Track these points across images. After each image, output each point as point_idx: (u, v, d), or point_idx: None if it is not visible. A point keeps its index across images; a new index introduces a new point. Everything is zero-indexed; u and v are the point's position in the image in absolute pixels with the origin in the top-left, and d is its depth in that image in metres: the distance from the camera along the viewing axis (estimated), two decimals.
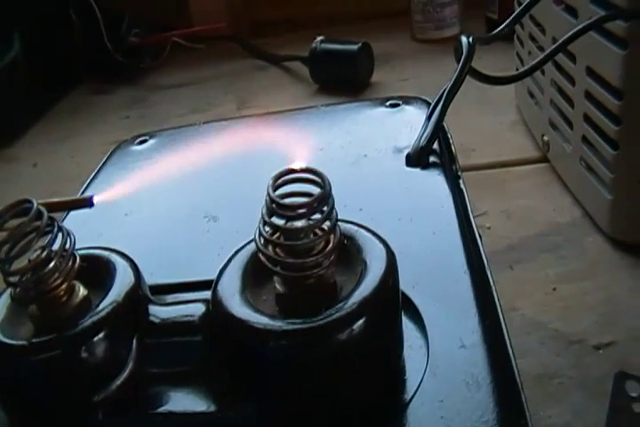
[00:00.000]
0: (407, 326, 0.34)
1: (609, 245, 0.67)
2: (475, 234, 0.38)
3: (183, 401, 0.31)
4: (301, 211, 0.29)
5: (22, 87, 1.00)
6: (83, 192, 0.51)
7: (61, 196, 0.51)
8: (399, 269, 0.32)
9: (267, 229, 0.30)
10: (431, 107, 0.47)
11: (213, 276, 0.32)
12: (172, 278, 0.38)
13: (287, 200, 0.29)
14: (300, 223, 0.29)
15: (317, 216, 0.29)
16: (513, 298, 0.62)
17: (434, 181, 0.43)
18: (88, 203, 0.46)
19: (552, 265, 0.65)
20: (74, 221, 0.46)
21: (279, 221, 0.29)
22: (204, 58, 1.17)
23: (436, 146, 0.47)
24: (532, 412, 0.53)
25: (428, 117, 0.47)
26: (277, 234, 0.30)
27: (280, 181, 0.30)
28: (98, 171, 0.53)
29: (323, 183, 0.29)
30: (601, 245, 0.67)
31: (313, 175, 0.29)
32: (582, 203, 0.71)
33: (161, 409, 0.31)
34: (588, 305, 0.61)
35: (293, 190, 0.30)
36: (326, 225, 0.29)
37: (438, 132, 0.46)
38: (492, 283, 0.35)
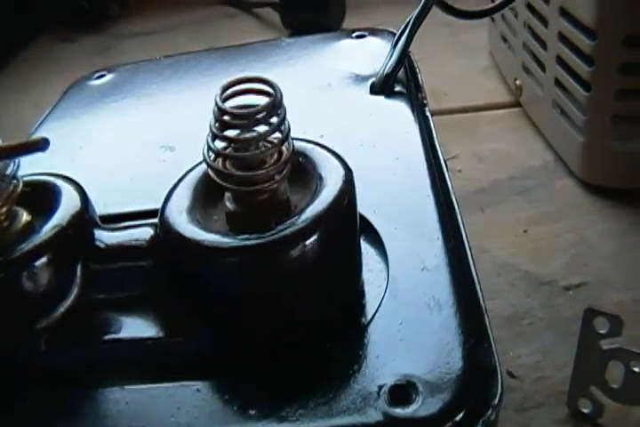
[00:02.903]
0: (367, 250, 0.32)
1: (581, 188, 0.66)
2: (440, 159, 0.37)
3: (131, 328, 0.29)
4: (251, 119, 0.27)
5: None
6: (38, 127, 0.49)
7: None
8: (360, 194, 0.30)
9: (215, 142, 0.28)
10: (397, 35, 0.46)
11: None
12: (127, 208, 0.36)
13: (236, 109, 0.27)
14: (249, 133, 0.27)
15: (269, 127, 0.27)
16: (483, 240, 0.61)
17: (398, 109, 0.42)
18: (41, 145, 0.43)
19: (523, 208, 0.64)
20: None
21: (228, 133, 0.28)
22: (172, 5, 1.14)
23: (402, 75, 0.45)
24: (502, 351, 0.52)
25: (394, 45, 0.45)
26: (227, 147, 0.28)
27: (229, 91, 0.28)
28: (54, 106, 0.51)
29: (274, 92, 0.27)
30: (572, 189, 0.66)
31: (264, 85, 0.28)
32: (554, 146, 0.70)
33: (107, 337, 0.29)
34: (559, 247, 0.60)
35: (244, 103, 0.28)
36: (278, 136, 0.28)
37: (404, 60, 0.44)
38: (456, 207, 0.34)
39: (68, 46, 1.07)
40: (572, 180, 0.67)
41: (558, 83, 0.66)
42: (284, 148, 0.28)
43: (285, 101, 0.29)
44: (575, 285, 0.57)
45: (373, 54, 0.48)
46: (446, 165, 0.37)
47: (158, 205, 0.31)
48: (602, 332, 0.44)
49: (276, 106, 0.27)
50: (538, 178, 0.68)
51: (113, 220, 0.34)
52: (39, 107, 0.90)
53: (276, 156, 0.28)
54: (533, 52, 0.71)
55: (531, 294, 0.57)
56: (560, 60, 0.65)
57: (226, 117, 0.27)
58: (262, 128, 0.27)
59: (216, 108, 0.27)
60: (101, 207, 0.34)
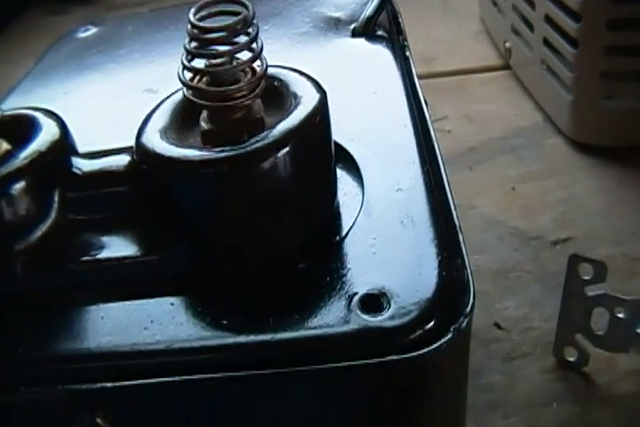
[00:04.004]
0: (343, 177, 0.33)
1: (569, 146, 0.66)
2: (419, 95, 0.37)
3: (109, 248, 0.30)
4: (223, 33, 0.27)
5: None
6: (24, 78, 0.49)
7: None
8: (338, 125, 0.31)
9: (190, 60, 0.28)
10: None
11: None
12: (108, 146, 0.36)
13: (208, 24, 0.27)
14: (222, 49, 0.27)
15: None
16: (472, 197, 0.61)
17: (379, 50, 0.42)
18: None
19: (512, 166, 0.65)
20: (10, 102, 0.45)
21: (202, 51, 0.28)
22: None
23: (384, 20, 0.45)
24: (490, 304, 0.53)
25: None
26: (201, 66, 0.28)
27: (203, 12, 0.28)
28: (41, 58, 0.51)
29: (247, 8, 0.27)
30: (561, 147, 0.67)
31: (237, 5, 0.28)
32: (543, 106, 0.71)
33: (85, 258, 0.29)
34: (548, 204, 0.61)
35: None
36: (250, 55, 0.28)
37: (385, 3, 0.44)
38: (433, 136, 0.34)
39: (60, 18, 1.07)
40: (561, 138, 0.67)
41: (547, 42, 0.66)
42: (256, 66, 0.28)
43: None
44: (563, 239, 0.57)
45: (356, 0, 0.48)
46: (426, 103, 0.37)
47: None
48: (586, 278, 0.44)
49: (247, 21, 0.27)
50: (527, 137, 0.68)
51: (93, 157, 0.34)
52: None
53: (250, 74, 0.28)
54: (522, 14, 0.71)
55: (519, 249, 0.57)
56: (548, 19, 0.65)
57: (198, 32, 0.27)
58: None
59: (189, 26, 0.27)
60: (83, 146, 0.34)
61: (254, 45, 0.28)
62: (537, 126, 0.69)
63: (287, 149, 0.27)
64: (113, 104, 0.42)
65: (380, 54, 0.41)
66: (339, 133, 0.31)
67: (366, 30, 0.43)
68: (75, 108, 0.42)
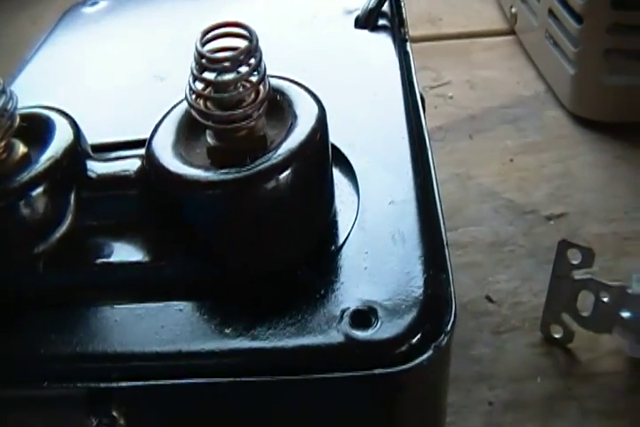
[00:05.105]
0: (341, 182, 0.35)
1: (570, 120, 0.67)
2: (416, 96, 0.38)
3: (120, 252, 0.32)
4: (228, 63, 0.29)
5: None
6: (32, 56, 0.50)
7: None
8: (337, 128, 0.32)
9: (197, 84, 0.30)
10: None
11: None
12: (116, 137, 0.38)
13: (214, 53, 0.29)
14: (227, 76, 0.29)
15: (246, 69, 0.29)
16: (470, 167, 0.63)
17: (381, 44, 0.43)
18: None
19: (512, 136, 0.66)
20: (19, 82, 0.46)
21: (208, 76, 0.29)
22: None
23: (387, 9, 0.46)
24: (482, 277, 0.55)
25: None
26: (207, 88, 0.30)
27: (209, 35, 0.29)
28: (48, 35, 0.52)
29: (250, 37, 0.29)
30: (562, 120, 0.68)
31: (241, 29, 0.29)
32: (546, 77, 0.71)
33: (98, 260, 0.32)
34: (544, 177, 0.62)
35: (224, 46, 0.30)
36: (254, 78, 0.30)
37: None
38: (428, 144, 0.35)
39: None
40: (561, 111, 0.68)
41: (552, 13, 0.66)
42: (260, 87, 0.30)
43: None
44: (557, 215, 0.59)
45: None
46: (422, 101, 0.39)
47: (146, 135, 0.33)
48: (574, 263, 0.46)
49: (251, 50, 0.29)
50: (528, 108, 0.69)
51: (104, 149, 0.36)
52: (37, 24, 0.90)
53: (253, 95, 0.30)
54: None
55: (513, 222, 0.59)
56: None
57: (205, 61, 0.29)
58: (240, 69, 0.29)
59: (196, 53, 0.29)
60: (92, 136, 0.35)
61: (259, 69, 0.29)
62: (538, 97, 0.70)
63: (289, 170, 0.29)
64: (121, 91, 0.43)
65: (382, 49, 0.42)
66: (337, 137, 0.33)
67: (369, 21, 0.44)
68: (84, 94, 0.43)
